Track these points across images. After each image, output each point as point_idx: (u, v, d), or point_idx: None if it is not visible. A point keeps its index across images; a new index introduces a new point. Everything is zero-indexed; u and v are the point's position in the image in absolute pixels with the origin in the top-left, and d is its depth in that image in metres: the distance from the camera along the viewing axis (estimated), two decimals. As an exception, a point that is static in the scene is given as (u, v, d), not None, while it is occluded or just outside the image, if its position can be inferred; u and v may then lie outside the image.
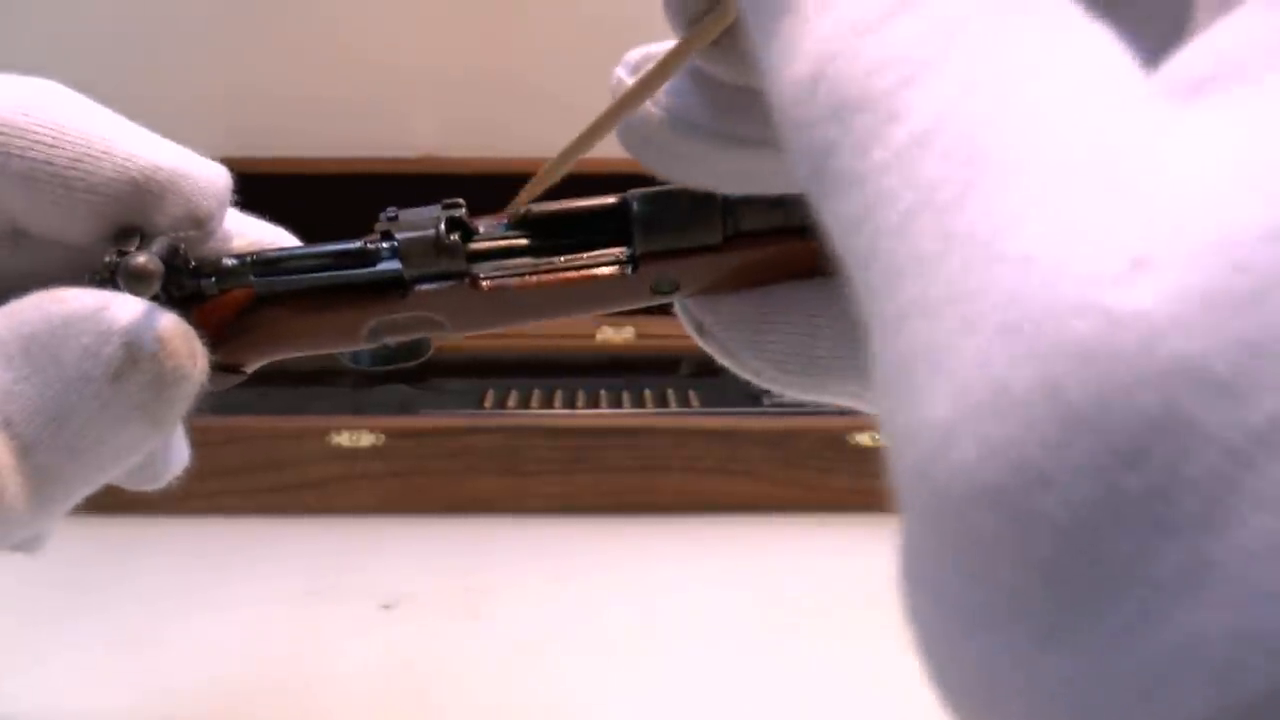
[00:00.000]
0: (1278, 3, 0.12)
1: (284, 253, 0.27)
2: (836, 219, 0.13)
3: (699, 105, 0.21)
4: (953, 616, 0.11)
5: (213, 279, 0.26)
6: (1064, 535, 0.10)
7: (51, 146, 0.24)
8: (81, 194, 0.25)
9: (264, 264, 0.26)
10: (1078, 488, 0.10)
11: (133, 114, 0.26)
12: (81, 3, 0.90)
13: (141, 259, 0.24)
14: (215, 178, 0.27)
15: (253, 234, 0.28)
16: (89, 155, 0.25)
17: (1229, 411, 0.09)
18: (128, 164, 0.25)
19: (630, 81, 0.21)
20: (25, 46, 0.91)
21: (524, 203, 0.26)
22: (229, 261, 0.26)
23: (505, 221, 0.27)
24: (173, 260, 0.25)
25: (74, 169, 0.25)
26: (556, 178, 0.25)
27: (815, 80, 0.13)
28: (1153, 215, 0.10)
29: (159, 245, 0.25)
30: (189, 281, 0.26)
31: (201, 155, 0.27)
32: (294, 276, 0.26)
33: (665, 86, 0.21)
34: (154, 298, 0.25)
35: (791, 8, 0.14)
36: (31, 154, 0.24)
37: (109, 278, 0.25)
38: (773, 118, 0.14)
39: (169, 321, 0.25)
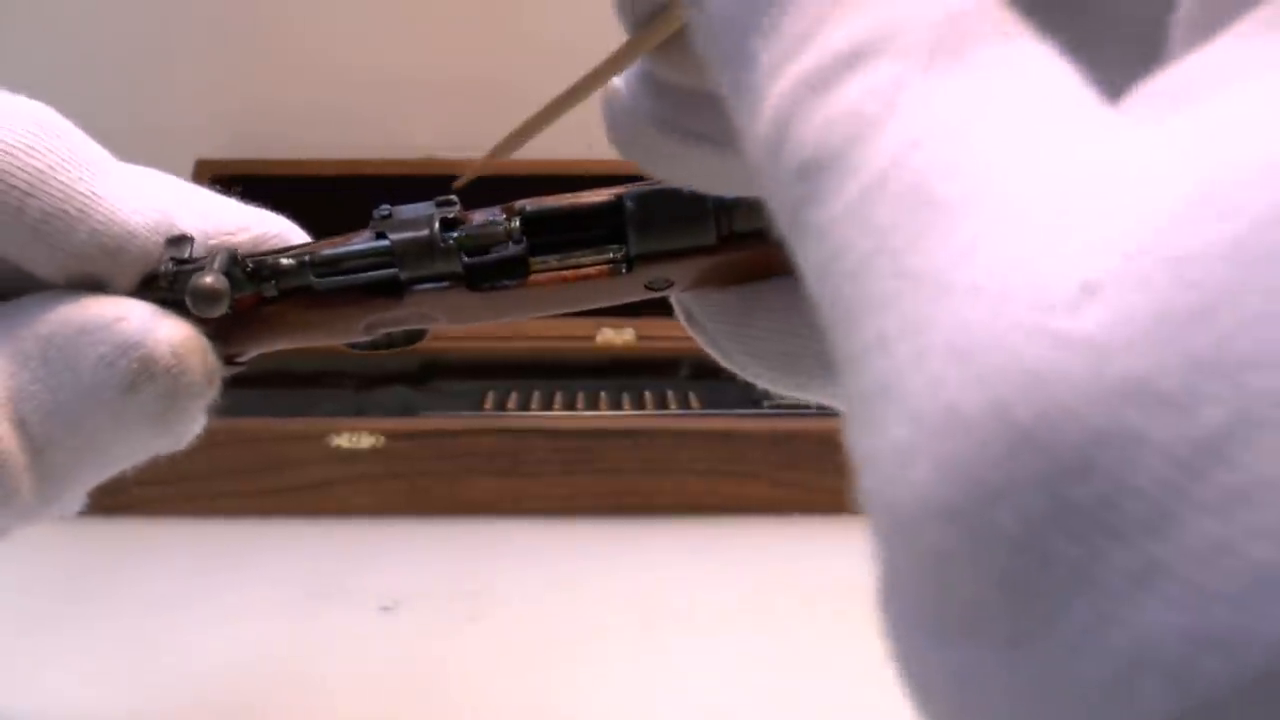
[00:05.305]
0: (1244, 35, 0.12)
1: (341, 251, 0.27)
2: (808, 267, 0.14)
3: (673, 104, 0.20)
4: (921, 630, 0.11)
5: (273, 281, 0.26)
6: (1016, 546, 0.10)
7: (27, 195, 0.24)
8: (48, 247, 0.24)
9: (322, 264, 0.26)
10: (1027, 501, 0.10)
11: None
12: (85, 7, 0.90)
13: (209, 280, 0.24)
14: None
15: (256, 227, 0.28)
16: (63, 213, 0.24)
17: (1174, 423, 0.10)
18: (101, 233, 0.24)
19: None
20: (28, 52, 0.91)
21: (501, 152, 0.25)
22: (286, 263, 0.26)
23: (499, 218, 0.27)
24: (231, 269, 0.25)
25: (46, 224, 0.24)
26: (507, 153, 0.24)
27: (778, 142, 0.14)
28: (1105, 240, 0.10)
29: (221, 259, 0.25)
30: (249, 287, 0.26)
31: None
32: (347, 277, 0.27)
33: (648, 86, 0.21)
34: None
35: (750, 61, 0.14)
36: (4, 199, 0.24)
37: (168, 288, 0.25)
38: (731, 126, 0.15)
39: (185, 334, 0.25)
